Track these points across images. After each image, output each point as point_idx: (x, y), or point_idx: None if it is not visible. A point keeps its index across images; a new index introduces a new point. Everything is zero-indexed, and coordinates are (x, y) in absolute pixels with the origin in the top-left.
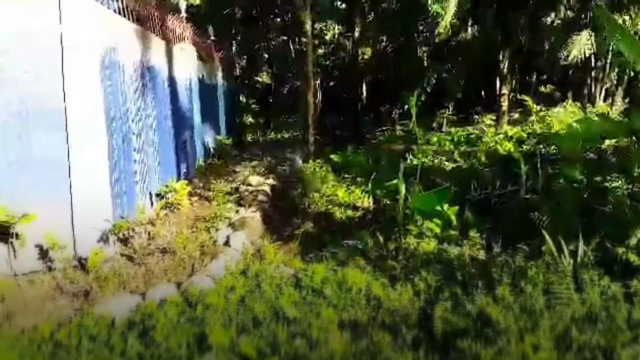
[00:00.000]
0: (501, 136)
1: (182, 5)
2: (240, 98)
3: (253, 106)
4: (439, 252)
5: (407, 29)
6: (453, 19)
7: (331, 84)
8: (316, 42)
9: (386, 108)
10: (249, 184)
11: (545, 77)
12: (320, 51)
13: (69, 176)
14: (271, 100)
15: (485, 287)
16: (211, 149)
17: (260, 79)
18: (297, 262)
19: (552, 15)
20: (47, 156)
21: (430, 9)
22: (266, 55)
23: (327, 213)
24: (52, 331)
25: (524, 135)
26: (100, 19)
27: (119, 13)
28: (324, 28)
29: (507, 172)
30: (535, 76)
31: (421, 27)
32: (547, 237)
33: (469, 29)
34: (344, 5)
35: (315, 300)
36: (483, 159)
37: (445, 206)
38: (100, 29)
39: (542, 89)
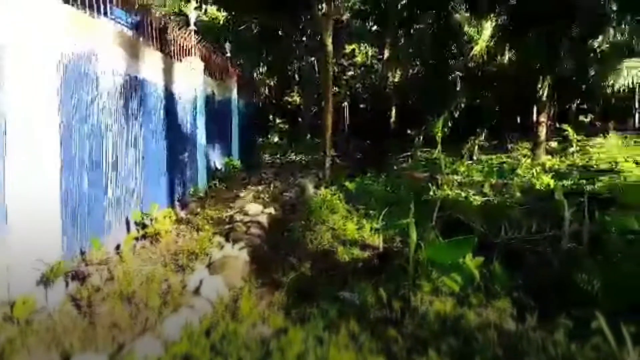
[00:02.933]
0: (538, 168)
1: (192, 18)
2: (270, 117)
3: (281, 126)
4: (455, 318)
5: (439, 52)
6: (489, 43)
7: (361, 106)
8: (346, 63)
9: (412, 133)
10: (245, 213)
11: (585, 105)
12: (351, 73)
13: (4, 203)
14: (300, 120)
15: None
16: (217, 172)
17: (290, 99)
18: (278, 319)
19: (599, 39)
20: None
21: (465, 32)
22: (297, 76)
23: (329, 251)
24: None
25: (563, 167)
26: (67, 23)
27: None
28: (356, 49)
29: (545, 212)
30: (575, 104)
31: (454, 51)
32: (598, 313)
33: (506, 53)
34: (375, 27)
35: None
36: (517, 194)
37: (468, 257)
38: (64, 34)
39: (582, 117)
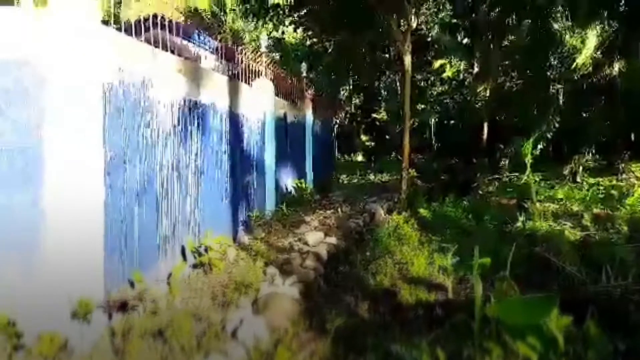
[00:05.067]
0: None
1: (263, 40)
2: (360, 135)
3: (367, 143)
4: None
5: (536, 64)
6: (595, 53)
7: (452, 122)
8: (432, 78)
9: (499, 154)
10: (304, 242)
11: None
12: (440, 88)
13: (44, 230)
14: (387, 138)
15: None
16: (287, 195)
17: (377, 116)
18: None
19: None
20: (17, 209)
21: (566, 42)
22: (383, 92)
23: (392, 291)
24: None
25: None
26: (114, 51)
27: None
28: (446, 64)
29: None
30: None
31: (554, 62)
32: None
33: (616, 64)
34: (466, 40)
35: None
36: (625, 228)
37: (553, 315)
38: (110, 62)
39: None
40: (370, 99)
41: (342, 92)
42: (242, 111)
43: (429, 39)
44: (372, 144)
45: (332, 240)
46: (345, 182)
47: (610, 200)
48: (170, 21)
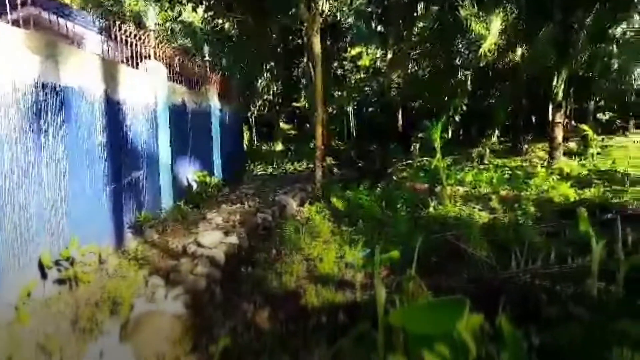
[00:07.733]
0: (556, 176)
1: (151, 19)
2: (280, 124)
3: (288, 132)
4: None
5: (444, 50)
6: (499, 39)
7: (370, 109)
8: (348, 66)
9: (412, 138)
10: (199, 244)
11: (603, 102)
12: (358, 76)
13: None
14: (308, 126)
15: None
16: (189, 190)
17: (298, 104)
18: None
19: (622, 27)
20: None
21: (471, 29)
22: (303, 80)
23: (296, 293)
24: None
25: (584, 172)
26: None
27: None
28: (363, 52)
29: (565, 232)
30: (593, 101)
31: (461, 49)
32: None
33: (518, 49)
34: (380, 28)
35: None
36: (532, 209)
37: (462, 320)
38: None
39: (600, 115)
40: (290, 87)
41: (259, 80)
42: (125, 97)
43: (345, 27)
44: (293, 132)
45: (233, 239)
46: (260, 172)
47: (516, 181)
48: None
